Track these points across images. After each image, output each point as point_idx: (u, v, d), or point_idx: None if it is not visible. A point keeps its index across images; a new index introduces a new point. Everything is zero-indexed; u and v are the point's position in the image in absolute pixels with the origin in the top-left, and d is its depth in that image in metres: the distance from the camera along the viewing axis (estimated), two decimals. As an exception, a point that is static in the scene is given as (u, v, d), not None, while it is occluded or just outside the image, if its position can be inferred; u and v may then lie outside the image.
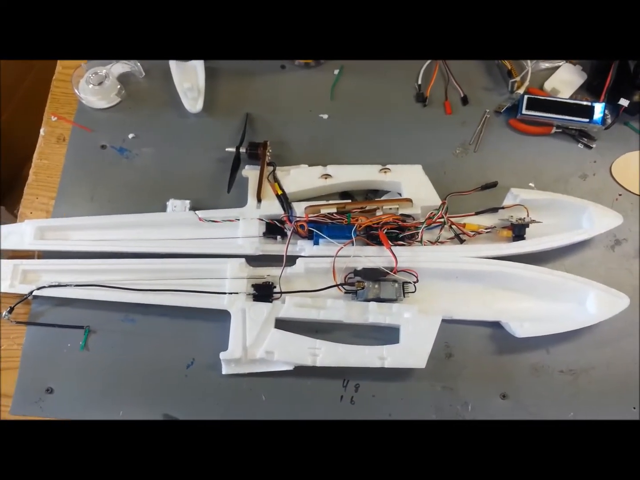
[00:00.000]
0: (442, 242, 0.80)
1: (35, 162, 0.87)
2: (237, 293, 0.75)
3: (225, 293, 0.75)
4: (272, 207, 0.80)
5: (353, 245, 0.76)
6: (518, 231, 0.78)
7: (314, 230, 0.77)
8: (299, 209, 0.80)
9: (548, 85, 0.92)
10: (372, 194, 0.86)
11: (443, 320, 0.74)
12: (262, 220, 0.79)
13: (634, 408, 0.74)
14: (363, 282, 0.75)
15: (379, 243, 0.77)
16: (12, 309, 0.76)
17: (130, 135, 0.88)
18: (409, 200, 0.80)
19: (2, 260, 0.77)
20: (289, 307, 0.74)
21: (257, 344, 0.72)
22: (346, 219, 0.78)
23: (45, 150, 0.88)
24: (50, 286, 0.76)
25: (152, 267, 0.77)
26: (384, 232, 0.77)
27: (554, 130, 0.90)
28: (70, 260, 0.78)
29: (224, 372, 0.73)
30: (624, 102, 0.88)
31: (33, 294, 0.76)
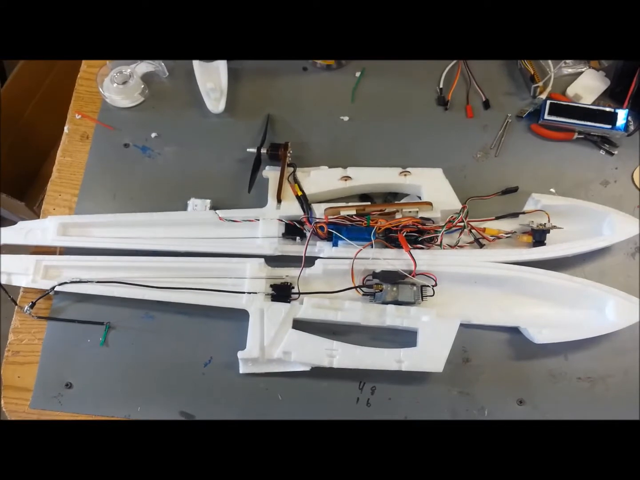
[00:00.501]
0: (461, 246, 0.80)
1: (58, 159, 0.89)
2: (255, 293, 0.75)
3: (244, 292, 0.75)
4: (292, 208, 0.81)
5: (372, 247, 0.76)
6: (539, 237, 0.78)
7: (334, 231, 0.77)
8: (319, 210, 0.80)
9: (571, 90, 0.92)
10: (392, 196, 0.86)
11: (461, 325, 0.74)
12: (281, 220, 0.80)
13: (653, 417, 0.74)
14: (381, 285, 0.76)
15: (398, 246, 0.77)
16: (33, 304, 0.77)
17: (153, 135, 0.89)
18: (429, 203, 0.80)
19: (25, 256, 0.79)
20: (306, 308, 0.75)
21: (275, 344, 0.73)
22: (365, 221, 0.78)
23: (69, 147, 0.89)
24: (71, 282, 0.77)
25: (172, 265, 0.78)
26: (404, 235, 0.77)
27: (575, 136, 0.89)
28: (92, 257, 0.79)
29: (241, 371, 0.74)
30: (647, 108, 0.87)
31: (54, 289, 0.77)
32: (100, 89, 0.91)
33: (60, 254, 0.81)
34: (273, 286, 0.76)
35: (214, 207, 0.82)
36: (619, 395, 0.75)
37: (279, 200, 0.81)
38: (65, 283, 0.77)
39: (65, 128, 0.91)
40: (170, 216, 0.81)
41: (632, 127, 0.89)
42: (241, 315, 0.75)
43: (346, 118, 0.92)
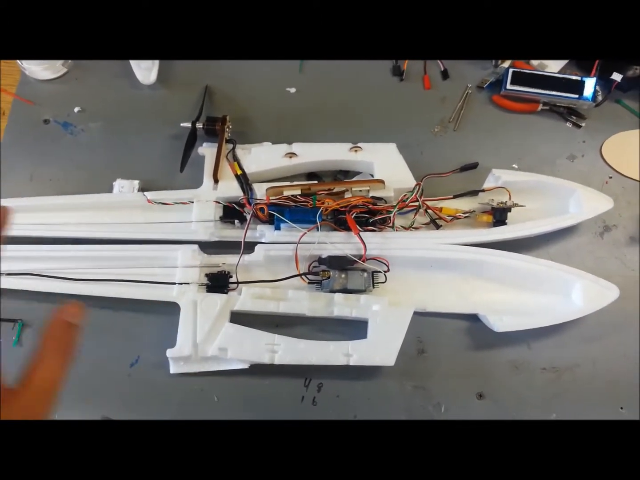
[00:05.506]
0: (416, 228, 0.73)
1: (-30, 138, 0.79)
2: (188, 283, 0.67)
3: (174, 283, 0.67)
4: (231, 189, 0.73)
5: (318, 230, 0.69)
6: (499, 216, 0.72)
7: (275, 213, 0.69)
8: (260, 190, 0.72)
9: (535, 58, 0.85)
10: (342, 175, 0.78)
11: (416, 313, 0.68)
12: (218, 202, 0.72)
13: (621, 408, 0.68)
14: (329, 272, 0.69)
15: (347, 228, 0.70)
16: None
17: (76, 109, 0.80)
18: (381, 181, 0.72)
19: None
20: (245, 299, 0.67)
21: (209, 339, 0.65)
22: (311, 202, 0.70)
23: (-18, 125, 0.80)
24: (-22, 275, 0.68)
25: (94, 254, 0.70)
26: (353, 216, 0.70)
27: (540, 107, 0.82)
28: (2, 246, 0.70)
29: (171, 371, 0.66)
30: (616, 76, 0.81)
31: (-41, 283, 0.68)
32: (19, 60, 0.81)
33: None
34: (208, 275, 0.69)
35: (143, 189, 0.74)
36: (587, 386, 0.69)
37: (216, 180, 0.73)
38: (-28, 276, 0.68)
39: (-21, 104, 0.81)
40: (92, 199, 0.73)
41: (600, 97, 0.83)
42: (173, 309, 0.67)
43: (293, 90, 0.84)
